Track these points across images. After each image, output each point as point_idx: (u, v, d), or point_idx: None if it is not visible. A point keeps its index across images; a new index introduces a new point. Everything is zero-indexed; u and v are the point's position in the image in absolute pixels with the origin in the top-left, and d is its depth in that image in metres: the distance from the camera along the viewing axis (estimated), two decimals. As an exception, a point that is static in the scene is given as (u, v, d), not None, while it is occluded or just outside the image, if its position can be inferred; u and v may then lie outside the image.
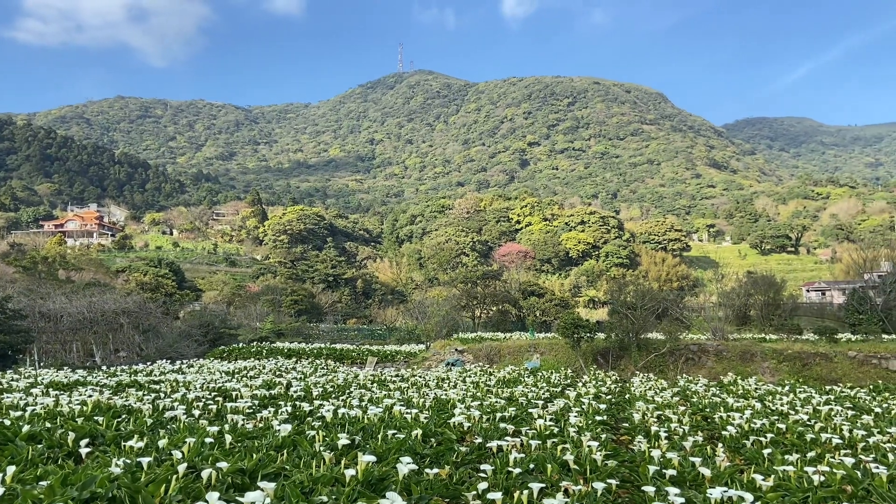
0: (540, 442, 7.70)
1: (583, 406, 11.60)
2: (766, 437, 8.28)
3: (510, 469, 6.10)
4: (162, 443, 6.53)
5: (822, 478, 6.03)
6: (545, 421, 9.11)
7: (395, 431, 7.71)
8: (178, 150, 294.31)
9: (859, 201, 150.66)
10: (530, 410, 10.36)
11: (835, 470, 6.21)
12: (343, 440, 6.71)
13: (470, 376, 19.00)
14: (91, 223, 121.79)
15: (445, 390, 14.15)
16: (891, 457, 7.20)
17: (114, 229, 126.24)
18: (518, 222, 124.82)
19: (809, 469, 6.21)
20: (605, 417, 10.49)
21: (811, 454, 7.43)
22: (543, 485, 5.58)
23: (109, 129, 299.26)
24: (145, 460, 5.47)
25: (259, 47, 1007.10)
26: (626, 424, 10.69)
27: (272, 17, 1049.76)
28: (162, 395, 12.08)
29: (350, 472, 5.28)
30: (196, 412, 9.36)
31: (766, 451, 7.43)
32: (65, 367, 21.84)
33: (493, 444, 7.23)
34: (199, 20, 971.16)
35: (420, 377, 18.92)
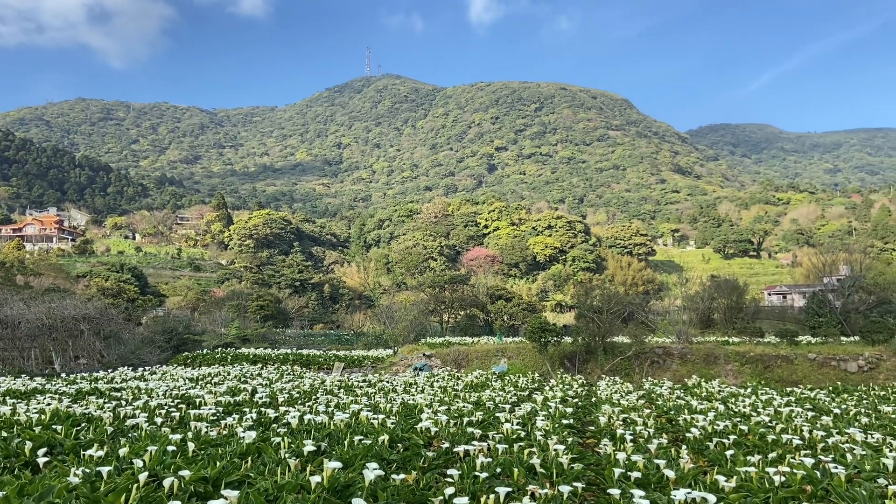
0: (507, 446, 7.72)
1: (550, 410, 11.65)
2: (728, 439, 8.41)
3: (477, 473, 6.10)
4: (123, 451, 6.39)
5: (783, 478, 6.14)
6: (512, 425, 9.13)
7: (362, 437, 7.66)
8: (141, 154, 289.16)
9: (819, 207, 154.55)
10: (497, 415, 10.36)
11: (795, 470, 6.33)
12: (309, 447, 6.64)
13: (437, 381, 18.98)
14: (51, 227, 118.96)
15: (413, 395, 14.10)
16: (849, 457, 7.37)
17: (74, 234, 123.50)
18: (486, 227, 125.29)
19: (771, 470, 6.33)
20: (571, 421, 10.55)
21: (772, 455, 7.57)
22: (510, 489, 5.58)
23: (70, 131, 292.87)
24: (105, 469, 5.34)
25: (224, 50, 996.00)
26: (593, 427, 10.78)
27: (238, 20, 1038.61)
28: (123, 402, 11.82)
29: (316, 479, 5.22)
30: (158, 420, 9.18)
31: (728, 453, 7.54)
32: (22, 375, 21.26)
33: (461, 448, 7.22)
34: (163, 21, 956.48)
35: (387, 382, 18.84)
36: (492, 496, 5.22)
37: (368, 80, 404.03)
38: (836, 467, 6.37)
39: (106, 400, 12.21)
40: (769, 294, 76.45)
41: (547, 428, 9.26)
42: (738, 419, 10.80)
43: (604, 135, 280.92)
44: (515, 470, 6.37)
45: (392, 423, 9.02)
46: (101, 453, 6.36)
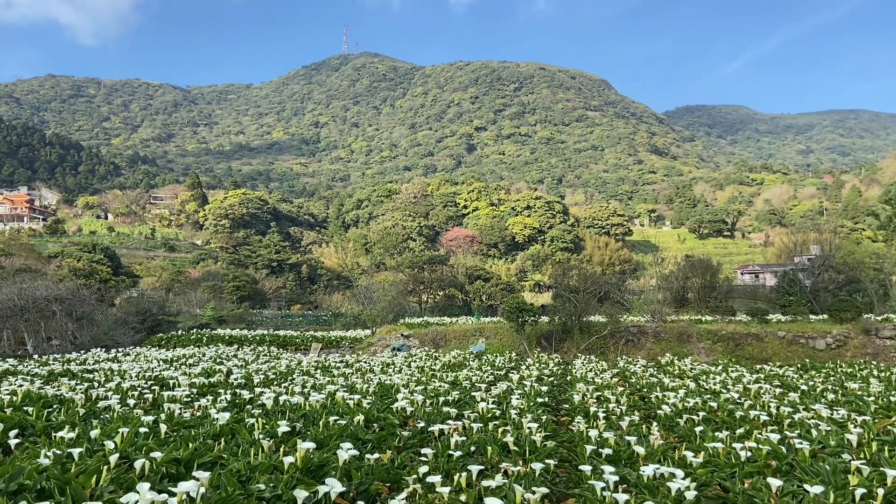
0: (482, 425, 7.79)
1: (525, 388, 11.77)
2: (698, 415, 8.57)
3: (451, 452, 6.15)
4: (94, 433, 6.35)
5: (749, 453, 6.28)
6: (488, 404, 9.21)
7: (338, 418, 7.68)
8: (113, 131, 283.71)
9: (791, 187, 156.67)
10: (474, 394, 10.44)
11: (761, 446, 6.48)
12: (283, 427, 6.64)
13: (415, 361, 19.06)
14: (21, 207, 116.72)
15: (390, 375, 14.15)
16: (814, 433, 7.55)
17: (45, 213, 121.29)
18: (465, 207, 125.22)
19: (738, 445, 6.46)
20: (546, 399, 10.68)
21: (740, 431, 7.73)
22: (483, 466, 5.65)
23: (40, 108, 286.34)
24: (76, 451, 5.32)
25: (198, 26, 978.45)
26: (567, 406, 10.91)
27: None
28: (96, 384, 11.73)
29: (289, 460, 5.23)
30: (131, 402, 9.12)
31: (698, 429, 7.69)
32: (-7, 357, 20.97)
33: (436, 427, 7.27)
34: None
35: (365, 363, 18.88)
36: (464, 474, 5.28)
37: (346, 59, 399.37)
38: (801, 443, 6.53)
39: (78, 381, 12.10)
40: (742, 273, 77.56)
41: (522, 406, 9.36)
42: (709, 396, 10.99)
43: (582, 115, 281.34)
44: (489, 448, 6.44)
45: (368, 404, 9.06)
46: (72, 435, 6.33)
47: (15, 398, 9.14)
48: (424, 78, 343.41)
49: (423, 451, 6.17)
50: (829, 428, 7.83)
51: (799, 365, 19.70)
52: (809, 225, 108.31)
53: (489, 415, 8.59)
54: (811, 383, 13.59)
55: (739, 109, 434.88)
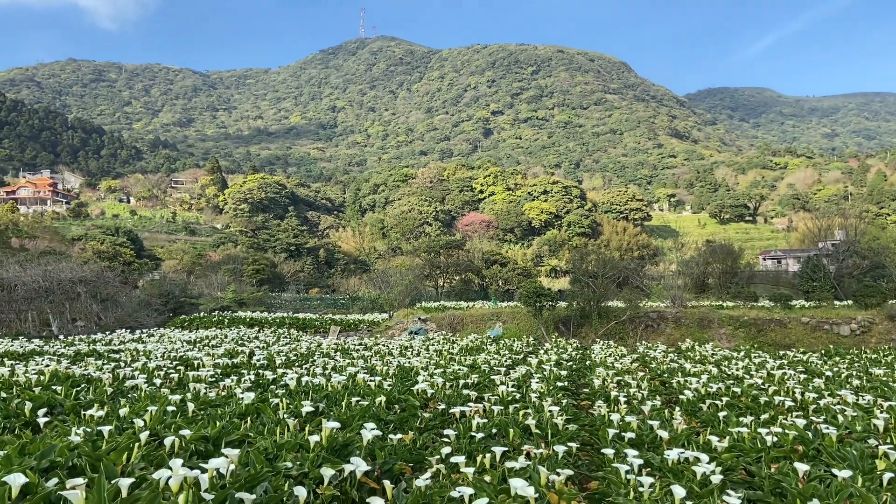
0: (502, 407, 7.80)
1: (544, 372, 11.76)
2: (721, 401, 8.52)
3: (473, 434, 6.17)
4: (123, 411, 6.44)
5: (775, 438, 6.24)
6: (507, 387, 9.22)
7: (359, 399, 7.74)
8: (134, 116, 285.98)
9: (815, 171, 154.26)
10: (493, 377, 10.47)
11: (787, 431, 6.43)
12: (307, 407, 6.71)
13: (433, 345, 19.12)
14: (44, 190, 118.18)
15: (409, 358, 14.21)
16: (840, 418, 7.48)
17: (68, 196, 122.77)
18: (481, 192, 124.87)
19: (763, 430, 6.42)
20: (566, 383, 10.67)
21: (765, 416, 7.68)
22: (506, 448, 5.66)
23: (62, 93, 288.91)
24: (106, 429, 5.39)
25: (217, 10, 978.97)
26: (587, 390, 10.90)
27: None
28: (122, 364, 11.90)
29: (314, 439, 5.28)
30: (157, 381, 9.24)
31: (721, 414, 7.65)
32: (20, 337, 21.36)
33: (456, 410, 7.30)
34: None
35: (383, 346, 18.98)
36: (488, 455, 5.30)
37: (363, 42, 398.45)
38: (827, 428, 6.47)
39: (105, 361, 12.29)
40: (764, 259, 76.79)
41: (542, 390, 9.36)
42: (731, 382, 10.92)
43: (601, 98, 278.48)
44: (511, 430, 6.45)
45: (389, 386, 9.10)
46: (101, 413, 6.42)
47: (43, 377, 9.30)
48: (441, 61, 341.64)
49: (445, 432, 6.20)
50: (855, 413, 7.75)
51: (823, 351, 19.51)
52: (834, 210, 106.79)
53: (509, 398, 8.60)
54: (836, 369, 13.45)
55: (763, 92, 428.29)
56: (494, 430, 6.64)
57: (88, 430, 5.60)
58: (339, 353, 15.77)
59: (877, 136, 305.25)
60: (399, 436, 5.96)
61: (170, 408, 6.66)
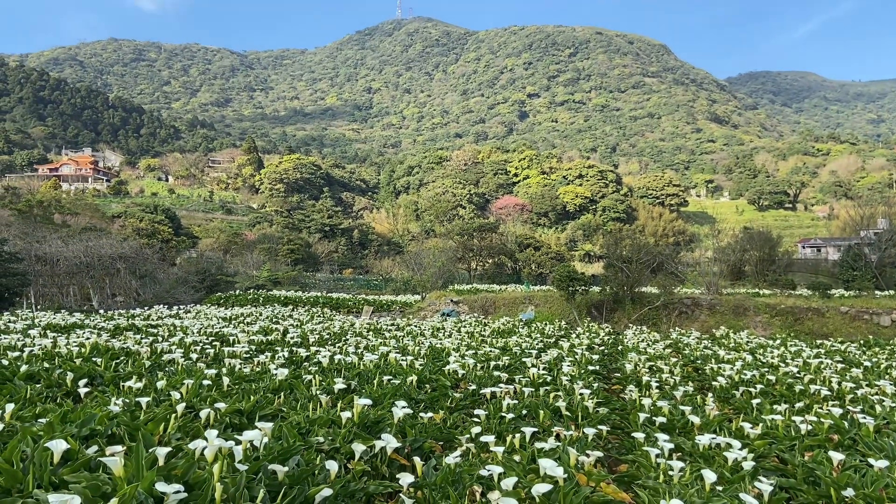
0: (533, 389, 7.81)
1: (576, 356, 11.73)
2: (755, 388, 8.41)
3: (503, 414, 6.20)
4: (160, 384, 6.60)
5: (810, 427, 6.15)
6: (538, 370, 9.22)
7: (391, 377, 7.81)
8: (173, 96, 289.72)
9: (859, 158, 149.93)
10: (524, 360, 10.47)
11: (822, 420, 6.33)
12: (339, 384, 6.79)
13: (465, 326, 19.17)
14: (86, 168, 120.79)
15: (440, 339, 14.28)
16: (878, 408, 7.33)
17: (109, 174, 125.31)
18: (516, 175, 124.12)
19: (797, 418, 6.33)
20: (597, 367, 10.63)
21: (799, 405, 7.56)
22: (536, 429, 5.68)
23: (103, 72, 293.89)
24: (144, 400, 5.54)
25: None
26: (618, 374, 10.84)
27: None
28: (160, 338, 12.17)
29: (346, 415, 5.36)
30: (194, 356, 9.44)
31: (755, 402, 7.55)
32: (62, 311, 21.97)
33: (487, 391, 7.33)
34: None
35: (415, 326, 19.08)
36: (517, 436, 5.32)
37: (399, 23, 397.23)
38: (864, 418, 6.35)
39: (143, 336, 12.58)
40: (803, 247, 75.11)
41: (573, 373, 9.34)
42: (766, 369, 10.76)
43: (639, 82, 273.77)
44: (541, 412, 6.46)
45: (420, 365, 9.17)
46: (139, 385, 6.59)
47: (83, 350, 9.57)
48: (477, 43, 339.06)
49: (475, 412, 6.23)
50: (893, 404, 7.59)
51: (862, 341, 19.08)
52: (878, 198, 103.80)
53: (540, 380, 8.60)
54: (875, 360, 13.16)
55: (806, 76, 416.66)
56: (525, 412, 6.66)
57: (127, 400, 5.76)
58: (371, 333, 15.91)
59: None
60: (430, 414, 6.02)
61: (205, 382, 6.80)
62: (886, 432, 6.21)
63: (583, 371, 9.72)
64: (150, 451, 3.97)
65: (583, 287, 25.78)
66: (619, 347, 15.54)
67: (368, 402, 5.74)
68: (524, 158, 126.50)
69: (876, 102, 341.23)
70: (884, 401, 7.70)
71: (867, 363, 12.31)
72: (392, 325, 19.97)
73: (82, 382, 6.59)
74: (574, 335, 17.72)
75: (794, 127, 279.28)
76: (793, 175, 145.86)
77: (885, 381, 9.27)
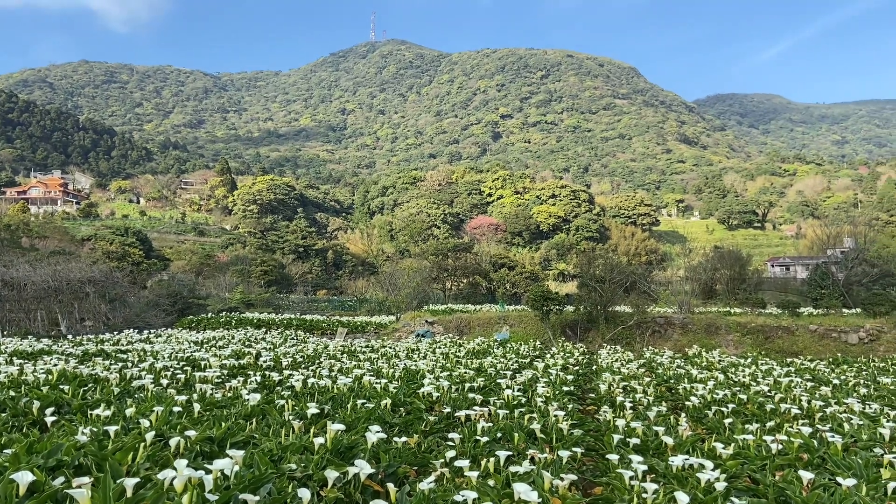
0: (508, 411, 7.81)
1: (550, 377, 11.75)
2: (727, 408, 8.49)
3: (478, 437, 6.18)
4: (129, 411, 6.49)
5: (780, 446, 6.22)
6: (513, 391, 9.22)
7: (365, 401, 7.75)
8: (145, 117, 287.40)
9: (825, 178, 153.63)
10: (499, 381, 10.46)
11: (792, 439, 6.40)
12: (312, 409, 6.73)
13: (440, 347, 19.12)
14: (55, 190, 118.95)
15: (415, 361, 14.22)
16: (846, 427, 7.44)
17: (79, 197, 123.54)
18: (490, 195, 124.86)
19: (768, 438, 6.40)
20: (572, 388, 10.66)
21: (770, 424, 7.65)
22: (510, 452, 5.67)
23: (73, 94, 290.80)
24: (112, 429, 5.43)
25: (228, 13, 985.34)
26: (593, 395, 10.88)
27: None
28: (129, 364, 11.96)
29: (319, 441, 5.30)
30: (164, 381, 9.29)
31: (727, 421, 7.62)
32: (29, 336, 21.49)
33: (462, 413, 7.31)
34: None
35: (390, 348, 18.99)
36: (492, 459, 5.30)
37: (373, 46, 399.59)
38: (833, 436, 6.45)
39: (112, 361, 12.35)
40: (772, 265, 76.39)
41: (547, 394, 9.35)
42: (738, 388, 10.89)
43: (610, 103, 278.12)
44: (516, 435, 6.45)
45: (394, 388, 9.12)
46: (108, 413, 6.46)
47: (51, 377, 9.37)
48: (451, 65, 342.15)
49: (450, 436, 6.20)
50: (861, 422, 7.72)
51: (831, 359, 19.40)
52: (843, 217, 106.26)
53: (515, 402, 8.59)
54: (843, 377, 13.39)
55: (772, 98, 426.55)
56: (499, 435, 6.65)
57: (95, 429, 5.64)
58: (345, 355, 15.80)
59: (888, 144, 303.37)
60: (404, 439, 5.98)
61: (176, 408, 6.69)
62: (854, 451, 6.31)
63: (557, 392, 9.74)
64: (118, 482, 3.90)
65: (557, 307, 25.90)
66: (594, 367, 15.61)
67: (342, 426, 5.69)
68: (498, 178, 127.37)
69: (840, 124, 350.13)
70: (852, 419, 7.82)
71: (836, 381, 12.51)
72: (366, 346, 19.85)
73: (49, 411, 6.45)
74: (549, 355, 17.76)
75: (761, 148, 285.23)
76: (761, 195, 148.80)
77: (853, 399, 9.43)
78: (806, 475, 4.97)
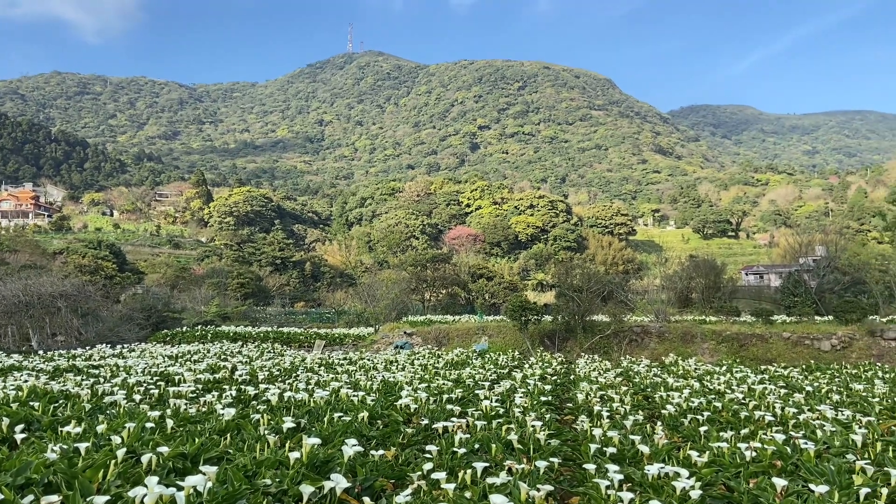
0: (485, 422, 7.80)
1: (529, 387, 11.76)
2: (702, 416, 8.56)
3: (455, 449, 6.16)
4: (101, 428, 6.37)
5: (754, 453, 6.28)
6: (491, 402, 9.21)
7: (342, 414, 7.69)
8: (119, 129, 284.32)
9: (796, 188, 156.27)
10: (477, 392, 10.45)
11: (766, 446, 6.47)
12: (288, 423, 6.66)
13: (418, 359, 19.07)
14: (26, 203, 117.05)
15: (393, 373, 14.16)
16: (819, 433, 7.53)
17: (51, 210, 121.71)
18: (468, 206, 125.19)
19: (742, 445, 6.46)
20: (550, 398, 10.68)
21: (745, 431, 7.73)
22: (487, 464, 5.65)
23: (45, 105, 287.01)
24: (83, 446, 5.34)
25: (203, 24, 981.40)
26: (571, 404, 10.91)
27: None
28: (101, 380, 11.76)
29: (294, 455, 5.25)
30: (137, 397, 9.16)
31: (702, 429, 7.69)
32: (-2, 352, 21.05)
33: (440, 425, 7.28)
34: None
35: (368, 360, 18.90)
36: (469, 471, 5.29)
37: (351, 57, 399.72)
38: (806, 443, 6.52)
39: (84, 377, 12.14)
40: (746, 274, 77.40)
41: (525, 405, 9.36)
42: (713, 396, 10.98)
43: (586, 114, 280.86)
44: (493, 446, 6.44)
45: (372, 401, 9.07)
46: (78, 430, 6.34)
47: (21, 393, 9.18)
48: (428, 76, 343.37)
49: (428, 448, 6.18)
50: (833, 429, 7.82)
51: (804, 366, 19.66)
52: (815, 226, 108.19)
53: (493, 413, 8.59)
54: (816, 384, 13.56)
55: (745, 109, 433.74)
56: (477, 446, 6.63)
57: (65, 446, 5.54)
58: (323, 368, 15.69)
59: (857, 154, 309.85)
60: (381, 452, 5.94)
61: (148, 424, 6.59)
62: (827, 457, 6.39)
63: (535, 402, 9.75)
64: (88, 499, 3.83)
65: (535, 317, 25.99)
66: (572, 377, 15.66)
67: (318, 440, 5.65)
68: (476, 189, 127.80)
69: (811, 134, 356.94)
70: (825, 426, 7.92)
71: (809, 388, 12.68)
72: (344, 359, 19.73)
73: (18, 428, 6.32)
74: (527, 365, 17.80)
75: (734, 158, 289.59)
76: (734, 204, 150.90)
77: (825, 406, 9.55)
78: (779, 482, 5.03)
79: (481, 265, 71.12)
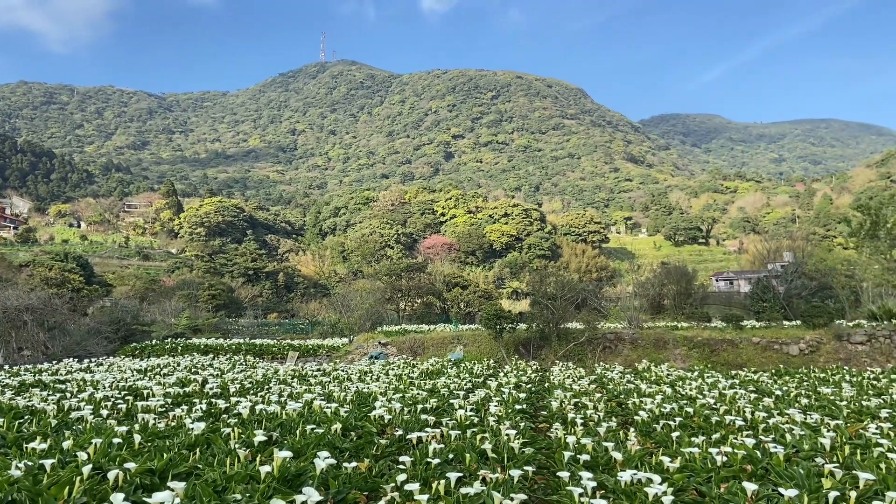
0: (460, 432, 7.77)
1: (503, 395, 11.77)
2: (675, 421, 8.63)
3: (429, 460, 6.13)
4: (66, 444, 6.23)
5: (725, 458, 6.34)
6: (466, 411, 9.19)
7: (315, 426, 7.62)
8: (86, 139, 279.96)
9: (764, 195, 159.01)
10: (452, 401, 10.42)
11: (736, 450, 6.54)
12: (259, 437, 6.57)
13: (393, 369, 18.98)
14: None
15: (367, 384, 14.07)
16: (788, 437, 7.64)
17: (16, 222, 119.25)
18: (443, 215, 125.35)
19: (713, 450, 6.52)
20: (524, 406, 10.68)
21: (716, 436, 7.81)
22: (462, 474, 5.64)
23: (11, 115, 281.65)
24: (48, 462, 5.22)
25: (173, 33, 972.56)
26: (545, 412, 10.93)
27: (186, 2, 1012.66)
28: (68, 394, 11.51)
29: (265, 469, 5.18)
30: (104, 412, 8.97)
31: (674, 435, 7.75)
32: (-39, 368, 20.51)
33: (414, 435, 7.24)
34: (107, 4, 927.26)
35: (342, 371, 18.77)
36: (443, 482, 5.26)
37: (323, 66, 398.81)
38: (775, 447, 6.60)
39: (50, 392, 11.87)
40: (717, 280, 78.41)
41: (500, 413, 9.36)
42: (685, 402, 11.08)
43: (559, 123, 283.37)
44: (467, 455, 6.42)
45: (346, 412, 9.00)
46: (44, 446, 6.20)
47: (-16, 410, 8.94)
48: (402, 86, 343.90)
49: (401, 459, 6.13)
50: (802, 432, 7.93)
51: (773, 370, 19.94)
52: (782, 232, 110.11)
53: (467, 422, 8.57)
54: (785, 388, 13.76)
55: (713, 118, 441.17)
56: (451, 456, 6.61)
57: (30, 463, 5.40)
58: (296, 380, 15.53)
59: (822, 161, 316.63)
60: (354, 464, 5.89)
61: (116, 440, 6.45)
62: (796, 461, 6.47)
63: (510, 410, 9.75)
64: (51, 519, 3.73)
65: (510, 325, 26.04)
66: (546, 385, 15.70)
67: (289, 454, 5.57)
68: (451, 198, 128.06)
69: (777, 143, 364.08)
70: (793, 429, 8.03)
71: (778, 392, 12.85)
72: (318, 370, 19.57)
73: (-20, 446, 6.15)
74: (502, 374, 17.81)
75: (703, 166, 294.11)
76: (704, 212, 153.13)
77: (794, 410, 9.69)
78: (750, 486, 5.08)
79: (456, 274, 71.14)
